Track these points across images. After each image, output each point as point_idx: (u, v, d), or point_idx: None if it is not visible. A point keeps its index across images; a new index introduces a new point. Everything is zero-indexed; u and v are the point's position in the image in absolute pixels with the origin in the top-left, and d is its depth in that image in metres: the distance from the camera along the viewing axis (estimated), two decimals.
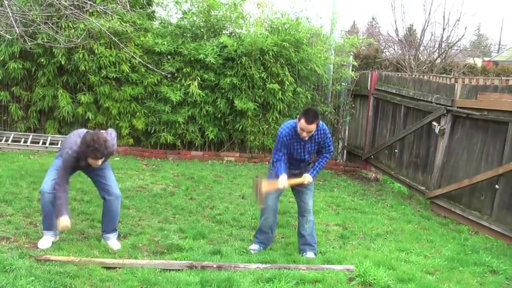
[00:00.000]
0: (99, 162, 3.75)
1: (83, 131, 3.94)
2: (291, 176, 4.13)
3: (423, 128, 6.77)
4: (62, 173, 3.79)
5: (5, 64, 7.67)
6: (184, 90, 8.00)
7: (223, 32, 8.48)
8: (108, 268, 3.60)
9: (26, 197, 5.09)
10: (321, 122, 4.08)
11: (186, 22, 8.38)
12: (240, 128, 8.28)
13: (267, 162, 7.89)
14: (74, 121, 8.03)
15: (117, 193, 4.09)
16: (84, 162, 3.81)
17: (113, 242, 4.09)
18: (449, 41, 14.22)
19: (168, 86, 8.05)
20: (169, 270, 3.64)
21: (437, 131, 6.26)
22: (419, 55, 14.74)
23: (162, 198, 5.72)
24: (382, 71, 12.22)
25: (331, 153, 4.36)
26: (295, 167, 4.26)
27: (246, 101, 8.02)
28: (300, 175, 4.21)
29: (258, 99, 8.16)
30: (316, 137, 4.12)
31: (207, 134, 8.26)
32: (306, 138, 4.04)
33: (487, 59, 24.91)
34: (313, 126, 3.93)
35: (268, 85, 7.97)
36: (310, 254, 4.25)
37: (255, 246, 4.33)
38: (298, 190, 4.32)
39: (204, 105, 8.11)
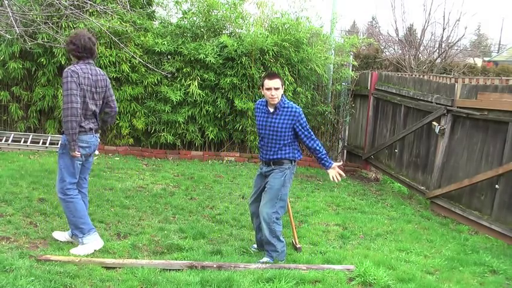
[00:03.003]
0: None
1: None
2: None
3: (423, 128, 6.77)
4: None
5: (5, 64, 7.66)
6: (184, 90, 8.00)
7: (223, 31, 8.48)
8: (108, 268, 3.60)
9: (26, 197, 5.08)
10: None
11: (186, 22, 8.38)
12: (240, 128, 8.28)
13: None
14: None
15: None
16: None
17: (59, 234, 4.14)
18: (449, 41, 14.23)
19: (168, 85, 8.05)
20: (170, 270, 3.64)
21: (437, 130, 6.26)
22: (419, 55, 14.76)
23: (162, 198, 5.72)
24: (382, 71, 12.23)
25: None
26: None
27: (246, 100, 8.02)
28: None
29: (258, 99, 8.15)
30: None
31: (207, 134, 8.26)
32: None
33: (487, 59, 24.94)
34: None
35: None
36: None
37: (254, 245, 4.39)
38: None
39: (204, 105, 8.11)
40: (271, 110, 3.99)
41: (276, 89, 3.88)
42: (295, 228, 4.58)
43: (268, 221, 3.95)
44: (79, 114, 3.68)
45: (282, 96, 3.96)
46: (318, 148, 4.01)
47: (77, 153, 3.75)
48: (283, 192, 3.99)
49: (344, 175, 4.10)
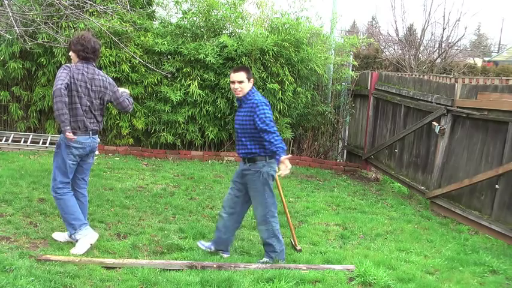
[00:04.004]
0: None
1: None
2: None
3: (423, 128, 6.77)
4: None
5: (5, 64, 7.66)
6: (184, 90, 8.00)
7: (223, 31, 8.47)
8: (108, 268, 3.60)
9: (26, 197, 5.08)
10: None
11: (186, 22, 8.38)
12: None
13: None
14: None
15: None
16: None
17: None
18: (449, 41, 14.23)
19: (168, 85, 8.05)
20: (170, 270, 3.64)
21: (437, 130, 6.26)
22: (419, 55, 14.75)
23: (162, 198, 5.72)
24: (382, 71, 12.23)
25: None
26: None
27: None
28: None
29: None
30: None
31: (207, 134, 8.26)
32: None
33: (487, 59, 24.94)
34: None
35: (268, 85, 7.97)
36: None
37: (204, 243, 4.20)
38: None
39: (204, 105, 8.11)
40: (239, 104, 3.97)
41: (240, 82, 3.82)
42: (294, 229, 4.58)
43: (264, 223, 3.93)
44: (63, 94, 3.59)
45: (252, 90, 3.89)
46: (272, 141, 3.65)
47: (69, 134, 3.66)
48: (267, 190, 3.88)
49: (290, 166, 3.57)
